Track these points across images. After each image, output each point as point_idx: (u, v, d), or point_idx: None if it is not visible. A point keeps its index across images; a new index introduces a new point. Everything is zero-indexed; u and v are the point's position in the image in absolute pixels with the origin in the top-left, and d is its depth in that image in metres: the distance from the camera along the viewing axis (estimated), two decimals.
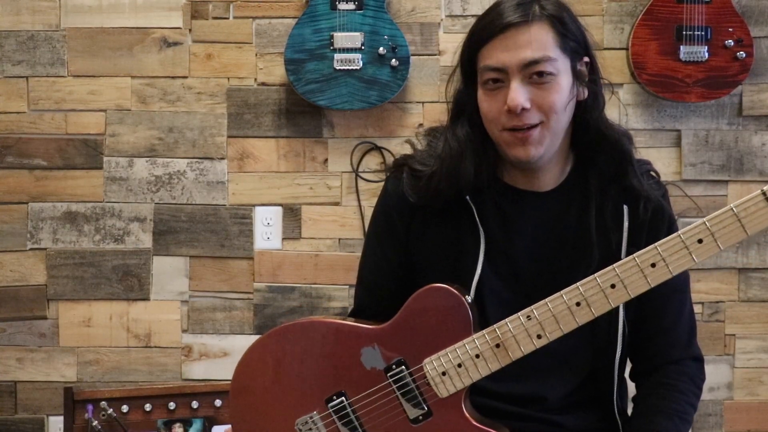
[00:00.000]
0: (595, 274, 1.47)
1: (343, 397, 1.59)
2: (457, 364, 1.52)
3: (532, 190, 1.73)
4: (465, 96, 1.72)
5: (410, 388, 1.56)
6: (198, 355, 3.09)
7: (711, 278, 3.09)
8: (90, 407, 2.52)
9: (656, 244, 1.45)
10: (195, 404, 2.54)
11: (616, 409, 1.73)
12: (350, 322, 1.61)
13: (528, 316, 1.49)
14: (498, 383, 1.65)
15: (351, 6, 2.94)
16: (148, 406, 2.53)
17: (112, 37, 3.08)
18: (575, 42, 1.66)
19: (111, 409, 2.51)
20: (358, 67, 2.93)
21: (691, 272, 3.06)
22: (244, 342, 3.08)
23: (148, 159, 3.08)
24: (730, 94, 3.02)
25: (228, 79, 3.09)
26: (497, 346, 1.50)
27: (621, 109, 3.06)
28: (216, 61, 3.09)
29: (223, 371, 3.07)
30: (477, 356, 1.51)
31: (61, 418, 2.66)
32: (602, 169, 1.72)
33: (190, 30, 3.08)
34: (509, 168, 1.74)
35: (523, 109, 1.60)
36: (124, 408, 2.53)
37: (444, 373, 1.53)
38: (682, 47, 2.94)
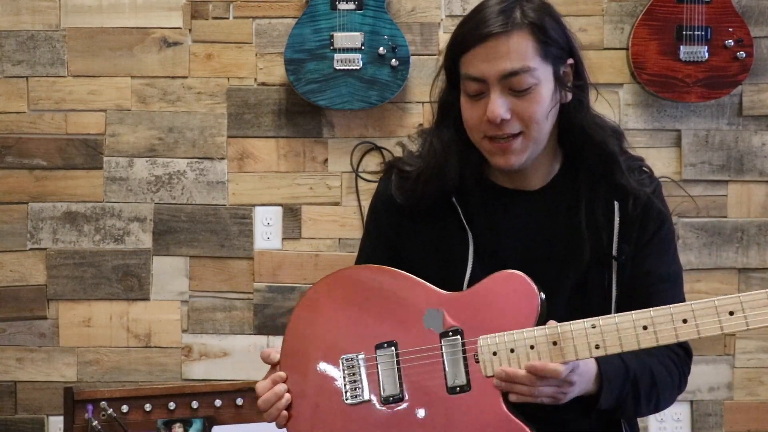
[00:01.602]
0: (671, 306, 1.46)
1: (393, 347, 1.61)
2: (510, 349, 1.52)
3: (520, 189, 1.74)
4: (450, 97, 1.73)
5: (458, 357, 1.56)
6: (198, 355, 3.09)
7: (711, 278, 3.09)
8: (90, 407, 2.52)
9: (740, 294, 1.42)
10: (195, 404, 2.54)
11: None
12: (422, 281, 1.63)
13: (593, 325, 1.48)
14: None
15: (351, 6, 2.94)
16: (148, 406, 2.53)
17: (112, 37, 3.08)
18: (558, 48, 1.66)
19: (111, 409, 2.51)
20: (358, 67, 2.93)
21: (691, 272, 3.07)
22: (244, 342, 3.08)
23: (148, 159, 3.08)
24: (730, 94, 3.02)
25: (228, 79, 3.09)
26: (554, 343, 1.50)
27: (621, 108, 3.06)
28: (216, 61, 3.09)
29: (223, 371, 3.07)
30: (531, 347, 1.51)
31: (61, 418, 2.66)
32: (590, 167, 1.72)
33: (190, 30, 3.08)
34: (496, 168, 1.74)
35: (503, 120, 1.61)
36: (124, 408, 2.52)
37: (495, 353, 1.53)
38: (682, 47, 2.94)
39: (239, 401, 2.53)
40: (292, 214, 3.09)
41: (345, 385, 1.62)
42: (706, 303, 1.44)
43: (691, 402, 3.08)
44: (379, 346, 1.62)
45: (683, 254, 3.07)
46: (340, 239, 3.08)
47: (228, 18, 3.09)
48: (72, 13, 3.07)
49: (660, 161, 3.06)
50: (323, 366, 1.64)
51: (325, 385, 1.63)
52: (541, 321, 1.55)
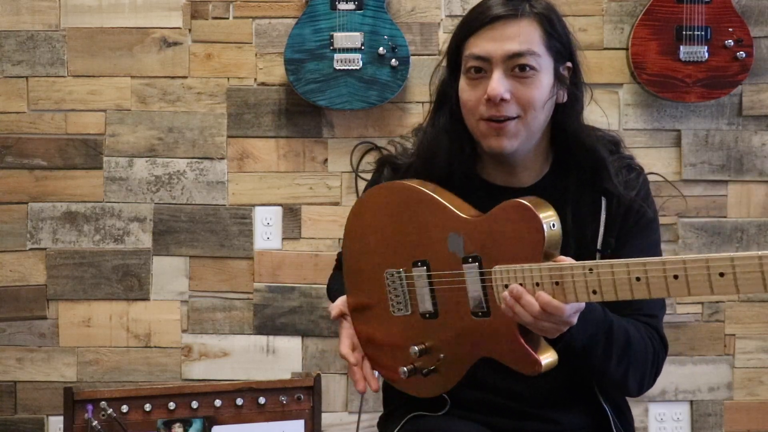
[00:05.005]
0: (665, 258, 1.43)
1: (425, 267, 1.67)
2: (519, 283, 1.54)
3: (510, 186, 1.76)
4: (449, 87, 1.75)
5: (477, 285, 1.61)
6: (198, 355, 3.09)
7: None
8: (90, 407, 2.51)
9: (734, 255, 1.36)
10: (195, 404, 2.54)
11: (606, 406, 1.73)
12: (448, 204, 1.67)
13: (591, 269, 1.48)
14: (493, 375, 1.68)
15: (351, 6, 2.94)
16: (147, 406, 2.53)
17: (112, 37, 3.08)
18: (561, 44, 1.69)
19: (111, 409, 2.51)
20: (358, 67, 2.93)
21: None
22: (244, 342, 3.08)
23: (148, 159, 3.08)
24: (730, 94, 3.02)
25: (228, 79, 3.09)
26: (556, 284, 1.51)
27: (621, 108, 3.06)
28: (216, 61, 3.09)
29: (222, 371, 3.07)
30: (537, 284, 1.53)
31: (61, 418, 2.66)
32: (580, 170, 1.74)
33: (190, 30, 3.09)
34: (487, 164, 1.77)
35: (502, 100, 1.64)
36: (124, 408, 2.52)
37: (506, 286, 1.56)
38: (682, 47, 2.94)
39: (239, 401, 2.52)
40: (292, 214, 3.09)
41: (390, 298, 1.73)
42: (699, 259, 1.38)
43: (691, 402, 3.08)
44: (414, 264, 1.69)
45: (683, 254, 3.07)
46: (339, 239, 3.08)
47: (228, 18, 3.09)
48: (72, 13, 3.08)
49: (660, 161, 3.06)
50: (372, 278, 1.75)
51: (376, 295, 1.75)
52: (553, 250, 1.56)
